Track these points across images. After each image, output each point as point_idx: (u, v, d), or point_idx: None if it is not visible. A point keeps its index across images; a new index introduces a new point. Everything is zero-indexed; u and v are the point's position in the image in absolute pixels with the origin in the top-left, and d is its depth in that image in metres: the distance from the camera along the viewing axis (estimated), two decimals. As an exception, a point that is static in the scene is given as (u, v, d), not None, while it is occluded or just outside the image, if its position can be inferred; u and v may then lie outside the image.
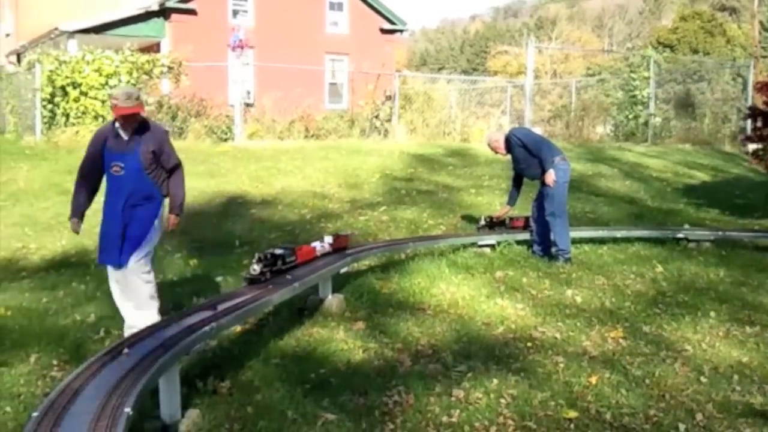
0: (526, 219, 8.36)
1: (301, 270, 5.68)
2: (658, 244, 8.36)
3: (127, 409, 2.82)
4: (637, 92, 19.90)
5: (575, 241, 8.47)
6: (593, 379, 4.61)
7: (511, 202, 8.31)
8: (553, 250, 7.72)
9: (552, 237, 7.72)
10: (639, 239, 8.52)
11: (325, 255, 6.26)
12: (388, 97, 18.32)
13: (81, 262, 8.12)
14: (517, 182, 8.18)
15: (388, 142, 17.06)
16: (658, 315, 5.97)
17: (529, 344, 5.30)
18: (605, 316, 5.95)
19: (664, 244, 8.41)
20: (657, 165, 15.12)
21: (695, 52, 44.13)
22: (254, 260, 5.24)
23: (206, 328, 4.03)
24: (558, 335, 5.50)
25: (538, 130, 20.86)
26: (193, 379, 4.49)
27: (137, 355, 3.51)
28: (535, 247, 7.92)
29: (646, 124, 19.60)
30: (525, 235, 8.20)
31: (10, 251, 8.75)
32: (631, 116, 19.84)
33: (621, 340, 5.38)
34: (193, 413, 3.91)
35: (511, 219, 8.46)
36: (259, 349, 5.11)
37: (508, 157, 8.13)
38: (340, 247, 6.51)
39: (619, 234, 8.63)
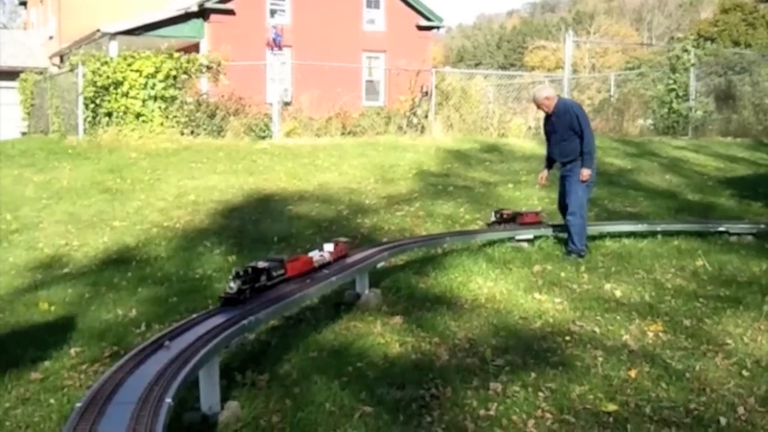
0: (536, 214, 8.28)
1: (291, 285, 5.02)
2: (698, 238, 8.24)
3: (168, 400, 2.87)
4: (677, 85, 19.60)
5: (615, 236, 8.40)
6: (633, 373, 4.57)
7: (548, 164, 8.09)
8: (569, 248, 7.60)
9: (569, 236, 7.62)
10: (679, 233, 8.41)
11: (324, 266, 5.62)
12: (425, 93, 18.29)
13: (122, 259, 8.27)
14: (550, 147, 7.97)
15: (424, 138, 17.04)
16: (698, 309, 5.88)
17: (567, 338, 5.26)
18: (645, 309, 5.88)
19: (705, 237, 8.29)
20: (697, 158, 14.88)
21: (737, 44, 43.30)
22: (231, 276, 4.56)
23: (245, 321, 4.08)
24: (597, 329, 5.45)
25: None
26: (232, 372, 4.55)
27: (178, 348, 3.57)
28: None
29: (686, 117, 19.29)
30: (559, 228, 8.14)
31: (54, 248, 8.93)
32: (671, 110, 19.54)
33: (661, 334, 5.32)
34: (232, 405, 3.96)
35: (521, 215, 8.32)
36: (297, 343, 5.15)
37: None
38: (341, 255, 5.98)
39: (659, 228, 8.52)
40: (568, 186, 7.62)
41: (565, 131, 7.56)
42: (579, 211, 7.54)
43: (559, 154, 7.71)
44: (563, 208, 7.83)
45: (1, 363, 4.99)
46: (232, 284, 4.48)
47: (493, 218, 8.28)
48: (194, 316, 4.41)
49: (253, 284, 4.64)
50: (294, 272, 5.17)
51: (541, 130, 8.15)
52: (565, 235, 7.89)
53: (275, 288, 4.86)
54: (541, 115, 8.93)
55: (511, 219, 8.23)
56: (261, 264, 4.79)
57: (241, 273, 4.56)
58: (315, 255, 5.67)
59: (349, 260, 5.95)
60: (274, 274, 4.89)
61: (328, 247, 5.87)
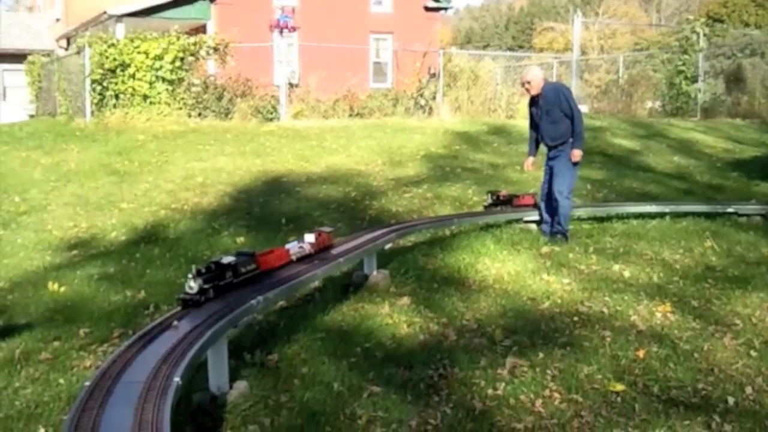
0: (532, 196, 8.24)
1: (263, 281, 4.55)
2: (707, 219, 8.21)
3: (177, 379, 2.88)
4: (685, 67, 19.47)
5: (623, 217, 8.38)
6: (641, 353, 4.56)
7: (534, 150, 7.99)
8: (555, 228, 7.54)
9: (556, 217, 7.53)
10: (688, 214, 8.38)
11: (304, 258, 5.19)
12: (433, 75, 18.21)
13: (131, 241, 8.30)
14: (535, 128, 7.82)
15: (432, 120, 16.99)
16: (707, 289, 5.86)
17: (575, 319, 5.26)
18: (653, 290, 5.87)
19: (714, 218, 8.25)
20: (706, 140, 14.81)
21: (746, 25, 42.89)
22: (191, 274, 4.00)
23: (253, 301, 4.08)
24: (605, 310, 5.44)
25: (584, 108, 20.58)
26: (241, 352, 4.56)
27: (186, 328, 3.57)
28: (545, 227, 7.73)
29: (695, 98, 19.18)
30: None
31: (62, 230, 8.96)
32: (680, 91, 19.42)
33: (669, 315, 5.30)
34: (241, 385, 3.98)
35: (517, 197, 8.27)
36: (305, 324, 5.16)
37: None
38: (323, 246, 5.54)
39: (667, 209, 8.49)
40: (557, 168, 7.50)
41: (555, 113, 7.45)
42: (567, 191, 7.46)
43: (550, 137, 7.57)
44: (547, 195, 7.68)
45: (10, 343, 5.02)
46: (192, 284, 3.94)
47: (489, 200, 8.21)
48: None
49: (217, 282, 4.11)
50: (268, 266, 4.69)
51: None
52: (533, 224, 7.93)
53: (245, 285, 4.35)
54: None
55: (507, 201, 8.17)
56: (226, 259, 4.27)
57: (203, 270, 4.04)
58: (293, 247, 5.21)
59: (336, 251, 5.66)
60: (243, 270, 4.36)
61: (309, 237, 5.41)
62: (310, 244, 5.35)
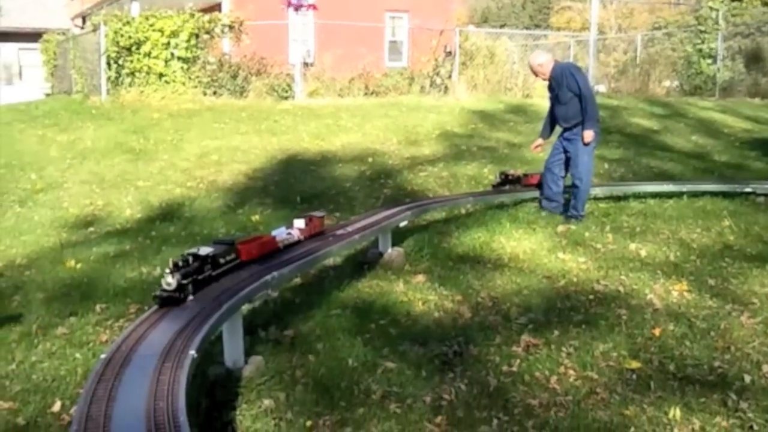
0: (541, 176, 8.14)
1: (244, 272, 4.12)
2: (725, 198, 8.11)
3: (192, 352, 2.88)
4: (704, 46, 19.23)
5: (640, 196, 8.30)
6: (657, 331, 4.54)
7: (546, 133, 7.87)
8: (570, 213, 7.39)
9: (573, 201, 7.39)
10: (705, 193, 8.28)
11: (291, 246, 4.85)
12: (449, 53, 18.08)
13: (146, 218, 8.33)
14: (553, 114, 7.72)
15: (448, 98, 16.90)
16: (724, 268, 5.81)
17: (591, 297, 5.23)
18: (670, 269, 5.83)
19: (732, 198, 8.16)
20: (725, 119, 14.64)
21: (765, 4, 42.23)
22: (168, 269, 3.61)
23: (268, 277, 4.08)
24: (621, 288, 5.41)
25: (601, 88, 20.40)
26: (256, 329, 4.58)
27: (201, 303, 3.58)
28: (545, 203, 7.61)
29: (714, 78, 18.95)
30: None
31: (79, 207, 9.01)
32: (698, 70, 19.20)
33: (686, 293, 5.26)
34: (256, 359, 3.99)
35: (526, 176, 8.13)
36: (320, 301, 5.17)
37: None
38: (314, 232, 5.22)
39: (685, 188, 8.40)
40: (572, 153, 7.36)
41: (564, 94, 7.32)
42: (586, 176, 7.33)
43: (563, 118, 7.45)
44: (551, 170, 7.56)
45: (28, 318, 5.06)
46: (170, 279, 3.54)
47: (498, 179, 8.13)
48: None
49: (197, 276, 3.73)
50: (249, 256, 4.31)
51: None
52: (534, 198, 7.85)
53: (226, 278, 3.99)
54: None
55: (516, 180, 8.07)
56: (204, 250, 3.87)
57: (181, 264, 3.66)
58: (280, 233, 4.87)
59: (350, 228, 5.58)
60: (222, 261, 3.99)
61: (299, 223, 5.08)
62: (300, 230, 5.02)
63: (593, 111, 7.28)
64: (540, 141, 7.97)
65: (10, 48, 30.56)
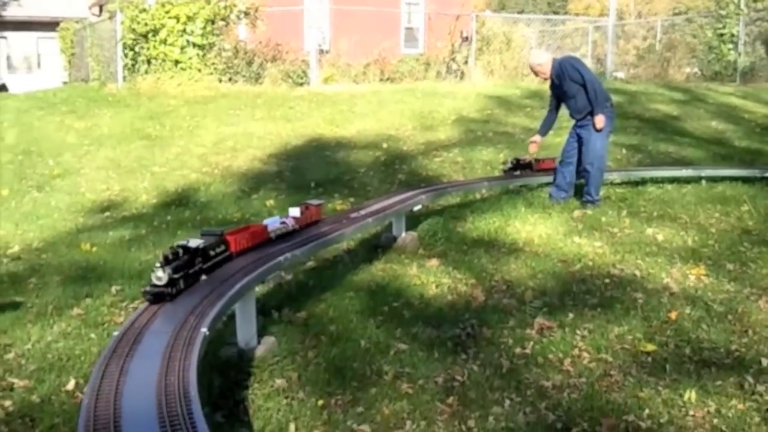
0: (553, 160, 8.04)
1: (235, 266, 3.86)
2: (744, 184, 8.01)
3: (204, 329, 2.88)
4: (725, 31, 19.00)
5: (657, 181, 8.23)
6: (673, 315, 4.49)
7: (544, 131, 7.80)
8: (585, 198, 7.28)
9: (586, 187, 7.29)
10: (725, 179, 8.19)
11: (285, 236, 4.57)
12: (465, 39, 17.98)
13: (162, 203, 8.35)
14: (555, 110, 7.64)
15: (464, 84, 16.82)
16: (743, 253, 5.75)
17: (606, 281, 5.19)
18: (687, 253, 5.77)
19: (752, 183, 8.06)
20: (745, 105, 14.46)
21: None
22: (158, 263, 3.38)
23: (281, 258, 4.07)
24: (637, 272, 5.36)
25: (620, 75, 20.22)
26: (269, 310, 4.58)
27: (214, 282, 3.57)
28: (554, 191, 7.51)
29: (734, 63, 18.73)
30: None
31: (95, 193, 9.05)
32: (719, 56, 18.98)
33: (703, 277, 5.21)
34: (269, 340, 3.99)
35: (537, 161, 8.02)
36: (333, 284, 5.16)
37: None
38: (310, 221, 4.98)
39: (703, 173, 8.31)
40: (585, 138, 7.26)
41: (570, 87, 7.22)
42: (598, 162, 7.24)
43: (575, 111, 7.35)
44: (565, 161, 7.47)
45: (43, 299, 5.08)
46: (160, 273, 3.32)
47: (509, 165, 8.05)
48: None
49: (188, 270, 3.49)
50: (239, 247, 4.07)
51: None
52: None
53: (217, 271, 3.76)
54: None
55: (527, 165, 7.98)
56: (194, 242, 3.61)
57: (171, 257, 3.43)
58: (273, 223, 4.61)
59: (364, 211, 5.50)
60: (212, 253, 3.76)
61: (294, 211, 4.83)
62: (295, 218, 4.77)
63: (601, 96, 7.18)
64: (538, 138, 7.84)
65: (29, 37, 30.72)
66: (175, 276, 3.36)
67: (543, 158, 8.14)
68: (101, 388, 2.38)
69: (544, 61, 7.39)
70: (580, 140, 7.38)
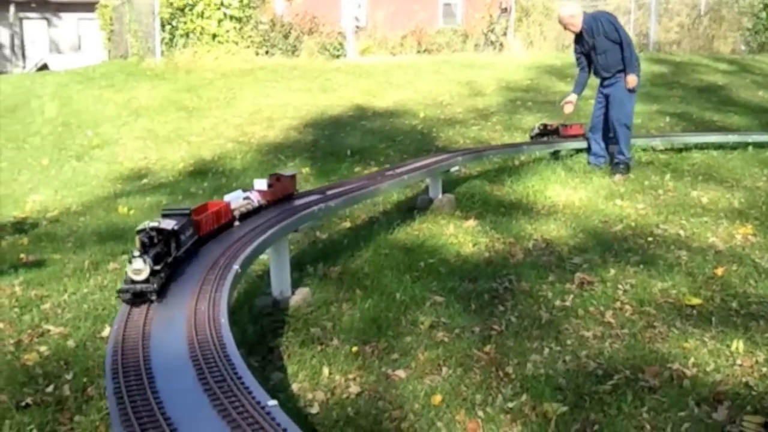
0: (580, 126, 7.82)
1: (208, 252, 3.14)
2: (793, 149, 7.77)
3: (236, 266, 2.83)
4: (773, 0, 18.45)
5: (703, 147, 8.01)
6: (719, 271, 4.34)
7: (579, 89, 7.52)
8: (617, 158, 7.08)
9: (618, 146, 7.09)
10: (772, 144, 7.94)
11: (250, 214, 3.76)
12: (504, 10, 17.70)
13: (198, 171, 8.35)
14: (587, 67, 7.34)
15: (503, 55, 16.57)
16: (791, 213, 5.56)
17: (649, 239, 5.05)
18: (734, 214, 5.60)
19: (801, 148, 7.80)
20: (794, 75, 14.04)
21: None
22: (135, 252, 2.59)
23: (315, 207, 4.01)
24: (681, 232, 5.21)
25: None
26: (304, 266, 4.53)
27: (247, 228, 3.53)
28: (593, 159, 7.31)
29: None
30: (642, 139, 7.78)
31: (133, 161, 9.09)
32: (766, 26, 18.43)
33: (750, 237, 5.04)
34: (303, 290, 3.94)
35: (564, 126, 7.81)
36: (369, 242, 5.09)
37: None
38: (283, 195, 4.17)
39: (750, 139, 8.07)
40: (613, 97, 7.07)
41: (603, 43, 6.99)
42: (626, 120, 7.06)
43: (603, 68, 7.11)
44: (596, 127, 7.28)
45: (80, 256, 5.11)
46: (139, 264, 2.54)
47: (536, 130, 7.86)
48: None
49: (167, 260, 2.73)
50: (206, 230, 3.30)
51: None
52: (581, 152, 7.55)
53: (193, 258, 3.05)
54: None
55: (554, 131, 7.78)
56: (167, 224, 2.83)
57: (147, 242, 2.68)
58: (235, 198, 3.78)
59: (400, 170, 5.37)
60: (183, 237, 2.97)
61: (260, 183, 4.02)
62: (261, 192, 3.96)
63: (635, 57, 7.02)
64: (573, 97, 7.58)
65: (70, 18, 31.01)
66: (156, 267, 2.58)
67: (570, 123, 7.95)
68: (130, 314, 2.35)
69: (576, 12, 7.17)
70: (607, 101, 7.18)
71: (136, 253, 2.57)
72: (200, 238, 3.20)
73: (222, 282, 2.61)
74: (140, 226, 2.74)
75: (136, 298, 2.52)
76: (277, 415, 1.65)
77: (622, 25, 7.25)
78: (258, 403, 1.71)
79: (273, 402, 1.72)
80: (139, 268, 2.53)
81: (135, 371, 1.93)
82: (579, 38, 7.23)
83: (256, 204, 3.86)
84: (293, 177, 4.36)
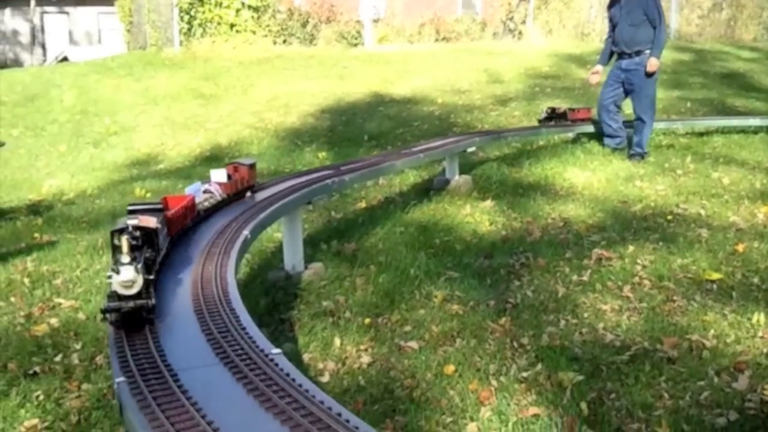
0: (588, 110, 7.69)
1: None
2: (817, 133, 7.62)
3: (246, 232, 2.79)
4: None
5: (724, 131, 7.89)
6: (740, 248, 4.25)
7: (605, 59, 7.33)
8: (633, 150, 6.88)
9: (637, 137, 6.90)
10: (796, 128, 7.80)
11: (218, 206, 3.31)
12: (523, -3, 17.55)
13: (214, 156, 8.34)
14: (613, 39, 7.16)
15: (522, 43, 16.43)
16: (815, 194, 5.45)
17: (669, 218, 4.97)
18: (755, 195, 5.50)
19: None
20: (818, 62, 13.81)
21: None
22: (126, 256, 1.92)
23: (328, 181, 3.97)
24: (702, 211, 5.12)
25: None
26: (318, 243, 4.49)
27: (260, 197, 3.49)
28: (608, 141, 7.13)
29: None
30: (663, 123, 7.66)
31: (150, 147, 9.11)
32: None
33: (773, 216, 4.94)
34: (316, 265, 3.90)
35: (572, 110, 7.69)
36: (384, 221, 5.04)
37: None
38: (242, 187, 3.65)
39: (772, 122, 7.94)
40: (635, 86, 6.87)
41: (637, 16, 6.77)
42: (652, 110, 6.91)
43: (628, 42, 6.86)
44: (606, 108, 7.08)
45: (95, 235, 5.10)
46: (130, 274, 1.90)
47: (544, 115, 7.75)
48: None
49: (154, 268, 2.23)
50: (176, 229, 2.74)
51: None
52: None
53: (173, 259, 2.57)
54: None
55: (562, 115, 7.66)
56: (150, 221, 2.27)
57: (133, 241, 2.11)
58: (195, 190, 3.32)
59: (417, 148, 5.31)
60: (161, 237, 2.40)
61: (218, 175, 3.49)
62: (221, 185, 3.45)
63: (663, 41, 6.87)
64: (599, 68, 7.44)
65: (89, 12, 31.16)
66: (150, 278, 2.00)
67: (578, 108, 7.85)
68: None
69: None
70: (624, 86, 7.02)
71: (126, 259, 1.90)
72: (171, 239, 2.64)
73: (232, 243, 2.56)
74: (117, 225, 2.14)
75: (128, 318, 1.93)
76: (281, 362, 1.60)
77: (662, 7, 7.03)
78: (262, 351, 1.67)
79: (277, 350, 1.67)
80: (130, 279, 1.89)
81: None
82: (613, 3, 7.03)
83: (218, 197, 3.36)
84: (252, 165, 3.77)
